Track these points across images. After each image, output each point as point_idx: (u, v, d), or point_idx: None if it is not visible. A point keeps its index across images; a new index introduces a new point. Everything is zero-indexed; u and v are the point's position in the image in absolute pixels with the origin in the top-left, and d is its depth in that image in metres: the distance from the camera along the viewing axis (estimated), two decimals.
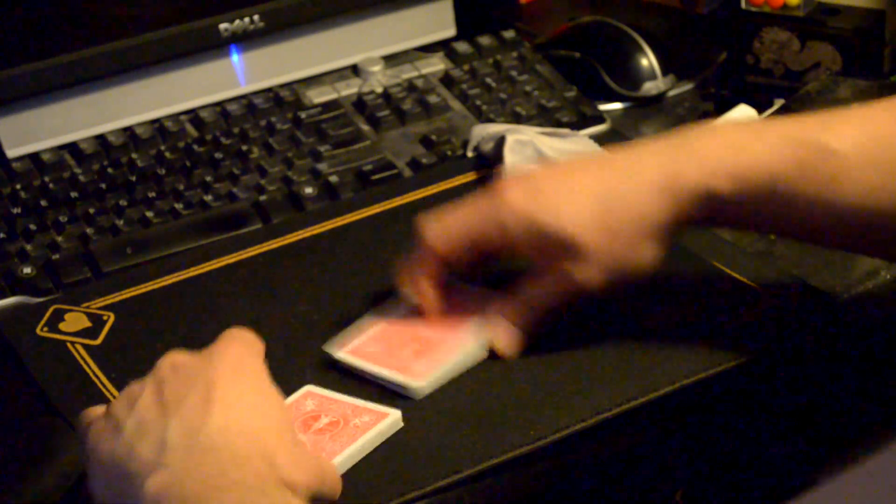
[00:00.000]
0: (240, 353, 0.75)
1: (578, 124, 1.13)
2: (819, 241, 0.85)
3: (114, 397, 0.88)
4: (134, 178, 1.08)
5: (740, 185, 0.79)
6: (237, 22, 1.16)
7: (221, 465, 0.68)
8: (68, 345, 0.92)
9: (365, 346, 0.86)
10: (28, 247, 1.02)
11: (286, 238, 1.02)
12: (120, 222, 1.04)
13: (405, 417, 0.80)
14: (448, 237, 0.85)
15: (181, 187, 1.07)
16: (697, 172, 0.80)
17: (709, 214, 0.81)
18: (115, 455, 0.71)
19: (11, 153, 1.11)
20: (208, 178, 1.08)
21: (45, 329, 0.94)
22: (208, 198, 1.06)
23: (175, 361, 0.75)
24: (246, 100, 1.16)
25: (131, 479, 0.69)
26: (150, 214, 1.04)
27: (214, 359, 0.74)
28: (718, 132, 0.82)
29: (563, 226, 0.82)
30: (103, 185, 1.07)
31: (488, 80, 1.19)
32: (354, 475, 0.77)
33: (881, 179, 0.77)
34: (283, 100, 1.17)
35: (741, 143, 0.80)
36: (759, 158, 0.79)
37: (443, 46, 1.24)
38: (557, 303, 0.85)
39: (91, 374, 0.90)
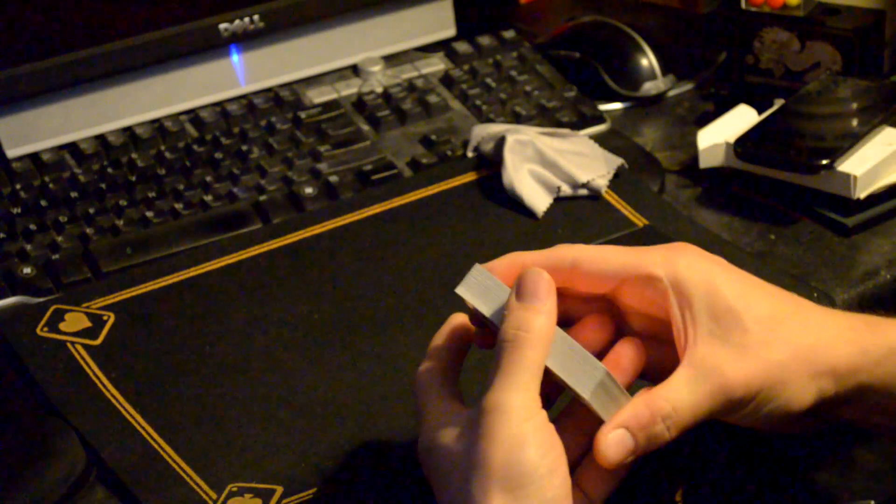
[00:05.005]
0: None
1: (578, 124, 1.13)
2: None
3: (114, 397, 0.88)
4: (134, 178, 1.08)
5: None
6: (237, 22, 1.16)
7: None
8: (68, 345, 0.92)
9: None
10: (28, 247, 1.02)
11: (286, 238, 1.02)
12: (120, 222, 1.04)
13: None
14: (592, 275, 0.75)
15: (181, 187, 1.07)
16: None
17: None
18: None
19: (11, 153, 1.11)
20: (208, 178, 1.08)
21: (45, 329, 0.94)
22: (208, 198, 1.06)
23: None
24: (246, 100, 1.16)
25: None
26: (150, 214, 1.04)
27: None
28: None
29: (735, 303, 0.72)
30: (103, 185, 1.07)
31: (488, 80, 1.19)
32: None
33: None
34: (283, 100, 1.17)
35: None
36: None
37: (443, 46, 1.24)
38: (699, 419, 0.73)
39: (91, 374, 0.90)
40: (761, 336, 0.72)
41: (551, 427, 0.70)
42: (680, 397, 0.71)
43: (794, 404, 0.73)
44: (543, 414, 0.70)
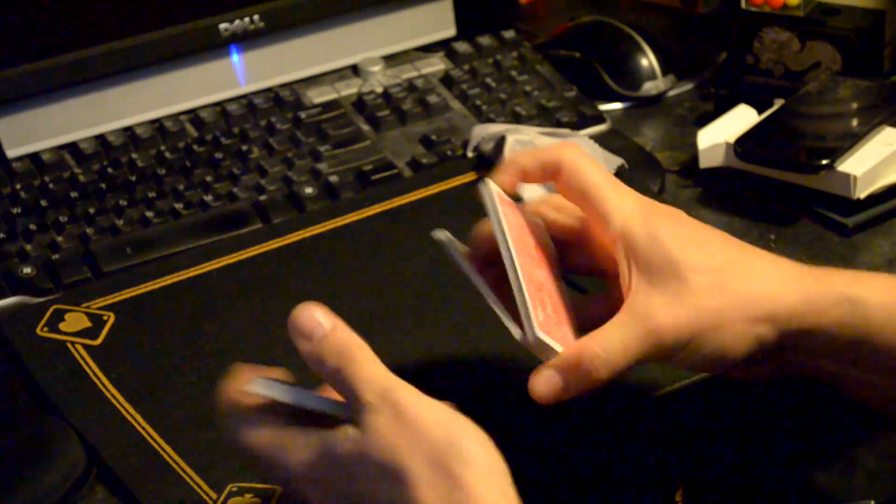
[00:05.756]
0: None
1: (578, 124, 1.13)
2: None
3: (114, 397, 0.88)
4: (134, 178, 1.08)
5: (887, 296, 0.75)
6: (237, 22, 1.16)
7: None
8: (68, 345, 0.92)
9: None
10: (28, 247, 1.02)
11: (286, 238, 1.02)
12: (120, 222, 1.04)
13: None
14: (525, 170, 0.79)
15: (181, 187, 1.07)
16: (844, 278, 0.76)
17: (841, 320, 0.75)
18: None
19: (11, 153, 1.11)
20: (208, 178, 1.08)
21: (45, 329, 0.94)
22: (208, 198, 1.06)
23: None
24: (246, 100, 1.16)
25: None
26: (150, 214, 1.04)
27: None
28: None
29: (675, 252, 0.76)
30: (103, 185, 1.07)
31: (488, 80, 1.19)
32: None
33: None
34: (283, 100, 1.17)
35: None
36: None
37: (443, 46, 1.24)
38: (631, 361, 0.76)
39: (91, 374, 0.90)
40: (697, 284, 0.75)
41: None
42: (611, 340, 0.75)
43: (732, 349, 0.76)
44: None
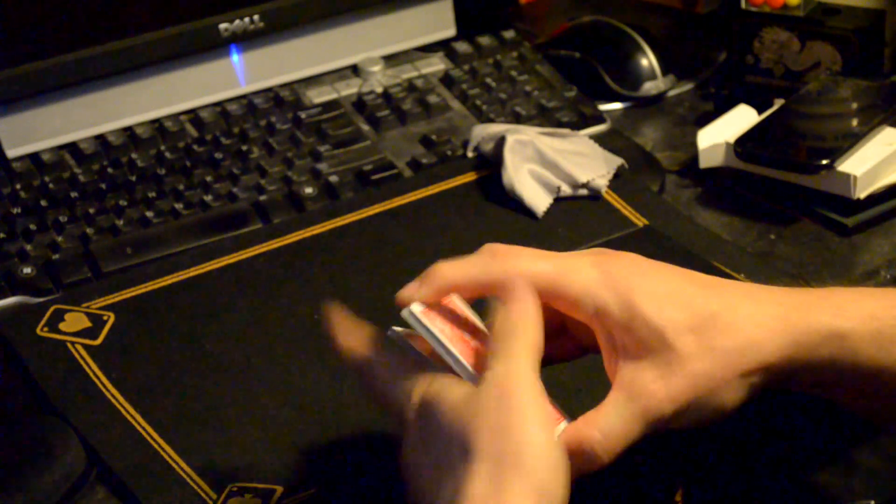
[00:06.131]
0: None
1: (578, 124, 1.13)
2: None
3: (114, 397, 0.88)
4: (134, 178, 1.08)
5: (873, 324, 0.73)
6: (237, 22, 1.16)
7: None
8: (68, 345, 0.92)
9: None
10: (28, 247, 1.02)
11: (286, 238, 1.02)
12: (120, 222, 1.04)
13: None
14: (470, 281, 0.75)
15: (181, 187, 1.07)
16: (829, 310, 0.73)
17: (831, 355, 0.73)
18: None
19: (11, 153, 1.11)
20: (208, 178, 1.08)
21: (45, 329, 0.94)
22: (208, 198, 1.06)
23: None
24: (246, 100, 1.16)
25: None
26: (150, 214, 1.04)
27: None
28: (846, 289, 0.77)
29: (656, 320, 0.72)
30: (103, 185, 1.07)
31: (488, 80, 1.19)
32: None
33: None
34: (283, 100, 1.17)
35: (872, 293, 0.75)
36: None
37: (443, 46, 1.24)
38: (631, 442, 0.73)
39: (91, 374, 0.90)
40: (686, 349, 0.72)
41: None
42: (609, 423, 0.72)
43: (727, 405, 0.74)
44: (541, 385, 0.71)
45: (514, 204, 1.03)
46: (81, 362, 0.91)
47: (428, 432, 0.71)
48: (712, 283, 0.75)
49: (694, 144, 1.08)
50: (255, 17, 1.16)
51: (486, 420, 0.68)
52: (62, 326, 0.94)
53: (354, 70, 1.22)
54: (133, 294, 0.97)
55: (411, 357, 0.75)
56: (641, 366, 0.72)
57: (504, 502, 0.66)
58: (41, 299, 0.98)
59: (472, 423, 0.69)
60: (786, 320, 0.73)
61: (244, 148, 1.11)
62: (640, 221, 1.02)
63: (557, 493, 0.68)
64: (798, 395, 0.85)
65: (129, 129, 1.13)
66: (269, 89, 1.18)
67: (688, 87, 1.21)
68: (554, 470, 0.68)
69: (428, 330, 0.73)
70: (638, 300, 0.73)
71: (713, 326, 0.73)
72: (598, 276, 0.74)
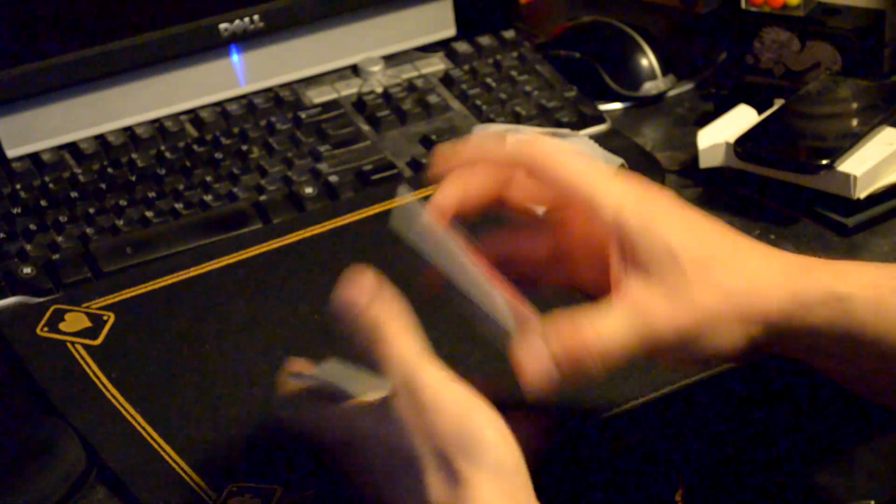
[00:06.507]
0: None
1: (578, 124, 1.13)
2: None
3: (114, 397, 0.88)
4: (134, 178, 1.08)
5: (873, 291, 0.73)
6: (237, 22, 1.16)
7: None
8: (68, 345, 0.92)
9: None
10: (28, 247, 1.02)
11: (286, 238, 1.02)
12: (120, 222, 1.04)
13: None
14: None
15: (181, 187, 1.07)
16: (830, 273, 0.74)
17: (829, 318, 0.73)
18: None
19: (11, 153, 1.11)
20: (208, 178, 1.08)
21: (45, 329, 0.94)
22: (208, 198, 1.06)
23: None
24: (246, 100, 1.16)
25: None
26: (150, 214, 1.04)
27: None
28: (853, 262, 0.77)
29: (672, 241, 0.72)
30: (103, 185, 1.07)
31: (488, 80, 1.19)
32: None
33: None
34: (283, 100, 1.17)
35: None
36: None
37: (443, 46, 1.24)
38: (627, 358, 0.73)
39: (91, 374, 0.90)
40: (694, 278, 0.72)
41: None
42: (610, 329, 0.72)
43: (723, 348, 0.74)
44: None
45: None
46: (81, 362, 0.91)
47: (370, 461, 0.71)
48: (729, 231, 0.76)
49: (694, 144, 1.08)
50: (255, 17, 1.16)
51: (411, 427, 0.68)
52: (62, 326, 0.94)
53: (354, 70, 1.22)
54: (133, 294, 0.97)
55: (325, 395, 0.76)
56: (651, 282, 0.72)
57: (470, 498, 0.66)
58: (41, 299, 0.98)
59: (401, 435, 0.68)
60: (788, 276, 0.74)
61: (244, 148, 1.11)
62: None
63: (514, 462, 0.67)
64: (798, 395, 0.85)
65: (129, 129, 1.13)
66: (269, 89, 1.18)
67: (688, 87, 1.21)
68: (500, 443, 0.67)
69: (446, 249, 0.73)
70: (659, 218, 0.73)
71: (723, 265, 0.73)
72: (623, 188, 0.74)
